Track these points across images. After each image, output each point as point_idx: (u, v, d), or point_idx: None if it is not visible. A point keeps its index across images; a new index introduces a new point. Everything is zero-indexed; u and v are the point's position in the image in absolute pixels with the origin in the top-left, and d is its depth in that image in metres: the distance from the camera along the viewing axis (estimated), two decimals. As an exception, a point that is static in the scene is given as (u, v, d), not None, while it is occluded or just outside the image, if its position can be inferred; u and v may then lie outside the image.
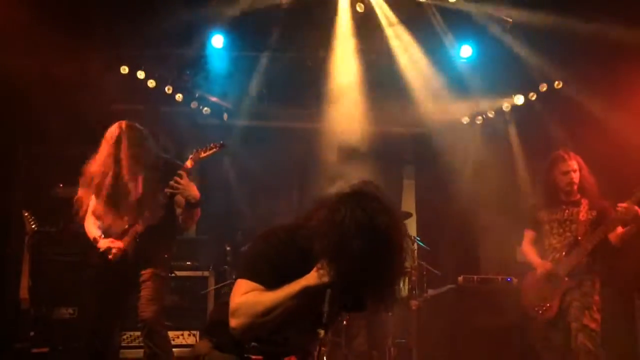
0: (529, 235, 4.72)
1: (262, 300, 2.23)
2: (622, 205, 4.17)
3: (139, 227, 3.86)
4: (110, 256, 3.82)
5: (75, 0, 5.12)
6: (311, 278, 2.23)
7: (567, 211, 4.47)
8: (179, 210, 3.94)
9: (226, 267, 5.79)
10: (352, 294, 2.29)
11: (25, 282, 4.75)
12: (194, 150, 3.94)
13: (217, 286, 5.84)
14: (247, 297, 2.25)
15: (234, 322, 2.24)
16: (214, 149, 3.92)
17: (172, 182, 3.77)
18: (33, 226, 4.84)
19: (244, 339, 2.32)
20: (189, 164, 3.86)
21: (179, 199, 3.89)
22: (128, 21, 5.31)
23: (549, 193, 4.58)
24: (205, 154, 3.91)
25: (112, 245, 3.84)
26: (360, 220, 2.15)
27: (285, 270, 2.28)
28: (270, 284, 2.26)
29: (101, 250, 3.86)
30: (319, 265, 2.22)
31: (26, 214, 4.85)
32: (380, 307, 2.33)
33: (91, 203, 3.98)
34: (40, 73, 5.23)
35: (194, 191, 3.85)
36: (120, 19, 5.28)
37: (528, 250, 4.67)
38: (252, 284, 2.27)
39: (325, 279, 2.19)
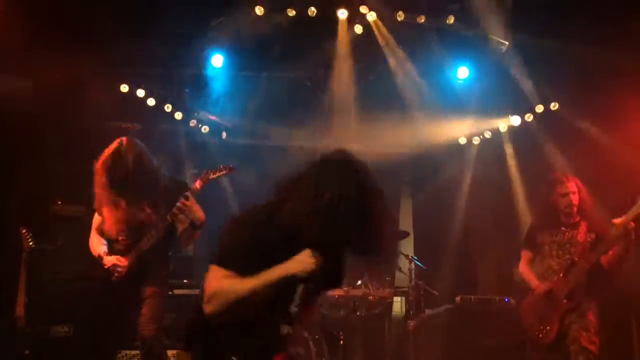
0: (526, 256, 4.72)
1: (237, 288, 2.20)
2: (617, 221, 4.17)
3: (144, 245, 3.85)
4: (115, 275, 3.84)
5: (76, 17, 5.15)
6: (292, 266, 2.18)
7: (566, 233, 4.48)
8: (180, 228, 3.91)
9: (223, 285, 5.76)
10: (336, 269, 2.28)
11: (21, 299, 4.72)
12: (203, 172, 3.89)
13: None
14: (222, 284, 2.22)
15: (208, 308, 2.23)
16: (224, 171, 3.89)
17: (178, 204, 3.74)
18: (30, 243, 4.82)
19: (218, 326, 2.29)
20: (197, 185, 3.83)
21: (182, 217, 3.87)
22: (128, 40, 5.36)
23: (548, 215, 4.59)
24: (214, 176, 3.87)
25: (118, 263, 3.84)
26: (350, 199, 2.09)
27: (264, 251, 2.22)
28: (247, 270, 2.20)
29: (106, 267, 3.86)
30: (304, 253, 2.17)
31: (24, 231, 4.84)
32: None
33: (95, 220, 3.97)
34: (39, 90, 5.26)
35: (199, 213, 3.82)
36: (121, 37, 5.32)
37: (525, 271, 4.67)
38: (226, 271, 2.23)
39: (310, 269, 2.15)
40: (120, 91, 6.01)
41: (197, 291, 5.80)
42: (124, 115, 6.18)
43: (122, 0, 5.06)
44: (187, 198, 3.73)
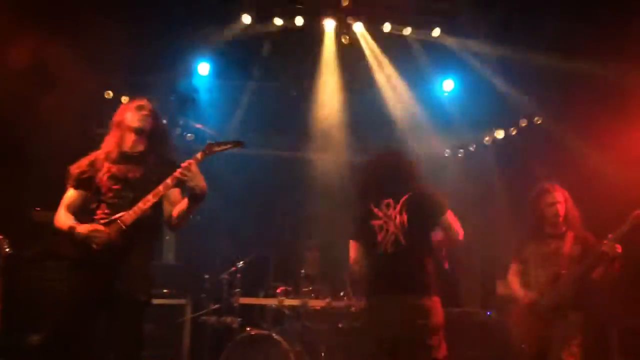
0: (514, 267, 4.69)
1: None
2: (607, 243, 4.18)
3: (127, 218, 3.36)
4: (94, 245, 3.30)
5: (60, 25, 5.12)
6: None
7: (552, 244, 4.45)
8: (168, 208, 3.53)
9: (204, 295, 5.70)
10: None
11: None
12: (207, 143, 3.47)
13: (194, 315, 5.75)
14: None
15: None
16: (230, 145, 3.46)
17: (180, 170, 3.34)
18: (7, 249, 4.75)
19: None
20: (199, 156, 3.40)
21: (174, 195, 3.52)
22: (114, 47, 5.33)
23: (535, 225, 4.57)
24: (219, 148, 3.45)
25: (97, 228, 3.31)
26: None
27: None
28: None
29: (82, 235, 3.30)
30: None
31: (1, 237, 4.77)
32: None
33: (66, 197, 3.54)
34: (18, 95, 5.20)
35: (202, 182, 3.39)
36: (106, 44, 5.29)
37: (513, 282, 4.64)
38: None
39: None
40: (104, 97, 5.97)
41: (175, 301, 5.74)
42: (108, 122, 6.12)
43: (108, 7, 5.02)
44: (189, 163, 3.33)
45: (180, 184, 3.42)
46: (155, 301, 5.43)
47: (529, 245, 4.57)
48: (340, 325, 5.54)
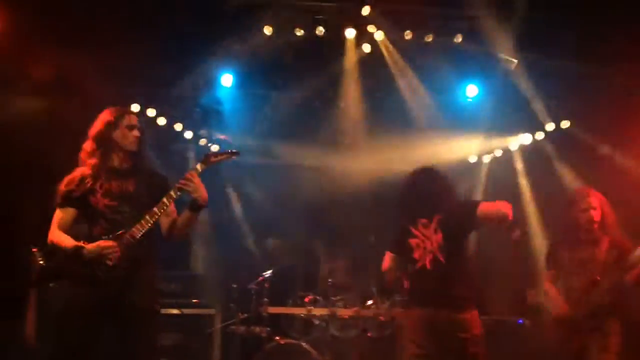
0: (549, 274, 4.60)
1: None
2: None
3: (136, 232, 3.34)
4: (108, 261, 3.27)
5: (85, 39, 5.20)
6: None
7: (587, 250, 4.35)
8: (164, 219, 3.50)
9: (232, 305, 5.73)
10: None
11: (31, 318, 4.71)
12: (204, 155, 3.52)
13: (223, 324, 5.77)
14: None
15: None
16: (226, 155, 3.50)
17: (183, 181, 3.36)
18: (40, 262, 4.82)
19: None
20: (199, 167, 3.44)
21: (169, 207, 3.48)
22: (137, 60, 5.40)
23: (568, 231, 4.48)
24: (216, 159, 3.49)
25: (108, 244, 3.27)
26: None
27: None
28: None
29: (93, 253, 3.26)
30: None
31: (34, 250, 4.84)
32: None
33: (57, 216, 3.49)
34: (47, 109, 5.29)
35: (204, 193, 3.41)
36: (130, 58, 5.37)
37: (550, 289, 4.54)
38: None
39: None
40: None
41: (205, 311, 5.77)
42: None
43: (131, 21, 5.09)
44: (191, 175, 3.36)
45: (182, 195, 3.42)
46: (185, 311, 5.54)
47: (563, 252, 4.48)
48: (369, 334, 5.51)
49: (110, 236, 3.34)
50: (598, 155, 5.66)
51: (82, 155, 3.53)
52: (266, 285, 5.59)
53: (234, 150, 3.55)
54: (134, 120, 3.54)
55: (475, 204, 3.81)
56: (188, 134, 6.59)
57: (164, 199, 3.39)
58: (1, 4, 4.78)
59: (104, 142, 3.49)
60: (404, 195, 3.98)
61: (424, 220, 3.83)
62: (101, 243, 3.30)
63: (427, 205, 3.84)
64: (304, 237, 6.96)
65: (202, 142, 6.68)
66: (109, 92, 5.65)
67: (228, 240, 6.62)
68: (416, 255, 3.82)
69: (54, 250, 3.46)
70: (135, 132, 3.50)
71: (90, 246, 3.30)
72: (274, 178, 6.83)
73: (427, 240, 3.81)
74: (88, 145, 3.50)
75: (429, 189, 3.88)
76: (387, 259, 4.00)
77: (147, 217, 3.38)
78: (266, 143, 6.73)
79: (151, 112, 6.20)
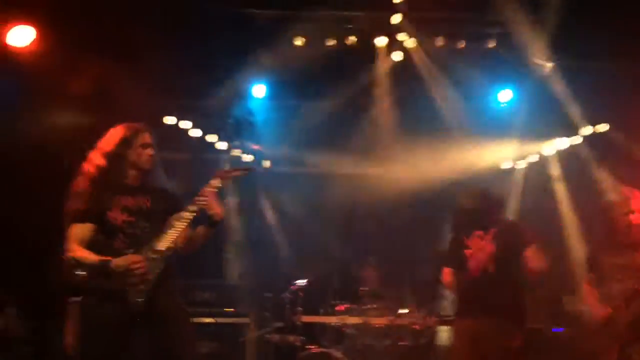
0: (589, 279, 4.47)
1: None
2: None
3: (162, 246, 3.36)
4: (137, 276, 3.24)
5: (120, 53, 5.32)
6: None
7: (628, 256, 4.18)
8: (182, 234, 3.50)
9: (267, 313, 5.76)
10: None
11: (70, 327, 4.79)
12: (217, 170, 3.54)
13: (257, 333, 5.81)
14: None
15: None
16: (240, 171, 3.57)
17: (200, 198, 3.41)
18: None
19: None
20: (214, 182, 3.47)
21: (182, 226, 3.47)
22: (171, 73, 5.50)
23: (608, 235, 4.37)
24: (231, 175, 3.55)
25: (135, 259, 3.26)
26: None
27: None
28: None
29: (121, 267, 3.23)
30: None
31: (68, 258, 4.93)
32: None
33: (75, 232, 3.42)
34: (83, 124, 5.40)
35: (220, 209, 3.47)
36: (164, 70, 5.47)
37: (589, 294, 4.41)
38: None
39: None
40: (163, 122, 6.17)
41: (239, 319, 5.81)
42: (169, 146, 6.31)
43: (165, 33, 5.19)
44: (209, 191, 3.40)
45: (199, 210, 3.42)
46: (219, 320, 5.60)
47: (603, 257, 4.35)
48: (403, 343, 5.47)
49: (132, 250, 3.33)
50: (637, 158, 5.51)
51: (91, 168, 3.49)
52: (300, 294, 5.61)
53: (249, 167, 3.60)
54: (148, 139, 3.53)
55: (526, 244, 4.16)
56: (222, 145, 6.68)
57: (185, 214, 3.40)
58: (37, 19, 4.92)
59: (118, 160, 3.49)
60: (461, 211, 4.40)
61: (479, 232, 4.12)
62: (130, 257, 3.28)
63: (482, 219, 4.20)
64: (338, 245, 6.96)
65: (236, 152, 6.76)
66: (143, 104, 5.79)
67: (262, 249, 6.67)
68: (469, 265, 4.09)
69: (77, 266, 3.43)
70: (149, 151, 3.50)
71: (117, 260, 3.27)
72: (307, 187, 6.86)
73: (480, 251, 4.09)
74: (99, 160, 3.49)
75: (483, 205, 4.27)
76: (447, 275, 4.31)
77: (169, 230, 3.39)
78: (299, 152, 6.77)
79: (185, 124, 6.31)
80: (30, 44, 4.90)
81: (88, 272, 3.39)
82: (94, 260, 3.32)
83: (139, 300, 3.29)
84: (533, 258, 4.14)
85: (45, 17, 4.93)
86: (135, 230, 3.42)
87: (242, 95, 6.27)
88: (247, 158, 6.82)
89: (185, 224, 3.40)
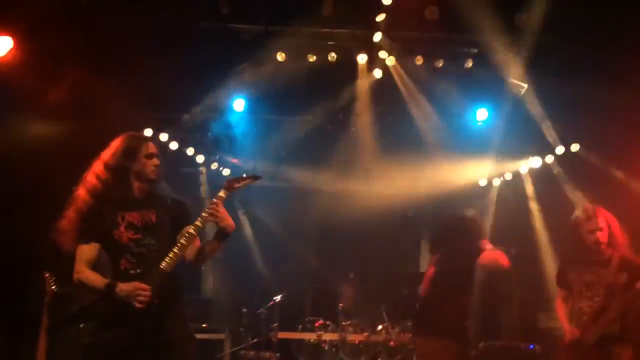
0: (561, 294, 4.50)
1: None
2: None
3: (167, 267, 3.24)
4: (139, 303, 3.14)
5: (101, 64, 5.27)
6: None
7: (596, 272, 4.21)
8: (192, 248, 3.41)
9: (242, 329, 5.71)
10: None
11: (42, 346, 4.68)
12: (226, 181, 3.42)
13: (233, 349, 5.75)
14: None
15: None
16: (248, 180, 3.43)
17: (208, 209, 3.31)
18: (53, 287, 4.81)
19: None
20: (222, 194, 3.36)
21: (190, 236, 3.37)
22: (152, 86, 5.46)
23: (576, 252, 4.40)
24: (238, 185, 3.40)
25: (140, 286, 3.15)
26: None
27: None
28: None
29: (125, 293, 3.15)
30: None
31: (47, 275, 4.84)
32: None
33: (82, 252, 3.33)
34: (62, 134, 5.32)
35: (231, 221, 3.34)
36: (144, 83, 5.43)
37: (560, 310, 4.45)
38: None
39: None
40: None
41: (214, 335, 5.74)
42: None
43: (145, 46, 5.15)
44: (216, 204, 3.29)
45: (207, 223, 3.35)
46: (197, 336, 5.52)
47: (571, 273, 4.40)
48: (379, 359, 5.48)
49: (139, 271, 3.25)
50: (608, 177, 5.64)
51: (93, 181, 3.36)
52: (276, 309, 5.59)
53: (257, 175, 3.48)
54: (153, 148, 3.41)
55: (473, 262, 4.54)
56: (200, 158, 6.64)
57: (191, 229, 3.30)
58: (14, 29, 4.84)
59: (122, 172, 3.35)
60: (433, 233, 4.96)
61: (435, 257, 4.53)
62: (136, 284, 3.18)
63: (441, 243, 4.57)
64: (314, 261, 6.96)
65: (214, 166, 6.73)
66: (122, 116, 5.73)
67: (238, 264, 6.63)
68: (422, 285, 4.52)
69: (82, 290, 3.35)
70: (155, 161, 3.38)
71: (123, 286, 3.18)
72: (285, 202, 6.86)
73: (425, 273, 4.55)
74: (102, 172, 3.36)
75: (446, 229, 4.67)
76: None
77: (175, 249, 3.29)
78: (278, 167, 6.76)
79: (163, 137, 6.26)
80: (7, 54, 4.82)
81: (93, 297, 3.30)
82: (99, 284, 3.23)
83: (143, 325, 3.19)
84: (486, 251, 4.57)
85: (22, 27, 4.86)
86: (141, 250, 3.31)
87: (222, 108, 6.25)
88: (225, 172, 6.80)
89: (192, 239, 3.30)
